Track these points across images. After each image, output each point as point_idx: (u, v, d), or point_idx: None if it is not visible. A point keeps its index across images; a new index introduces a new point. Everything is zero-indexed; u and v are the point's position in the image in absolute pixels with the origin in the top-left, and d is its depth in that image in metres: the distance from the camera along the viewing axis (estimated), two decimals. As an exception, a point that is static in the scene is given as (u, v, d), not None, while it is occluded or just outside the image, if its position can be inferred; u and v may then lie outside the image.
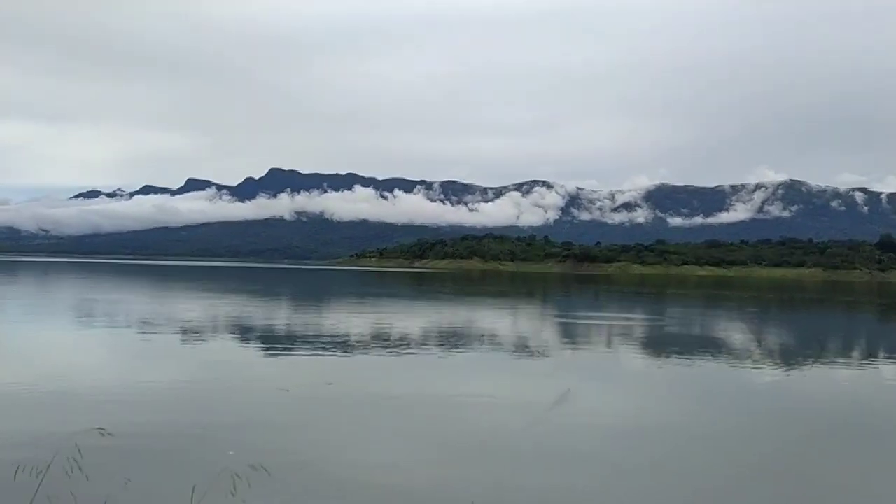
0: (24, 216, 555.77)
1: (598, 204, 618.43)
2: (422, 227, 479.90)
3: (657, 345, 27.12)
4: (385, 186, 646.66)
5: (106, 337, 25.42)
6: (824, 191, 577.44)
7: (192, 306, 41.12)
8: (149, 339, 24.50)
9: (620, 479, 10.15)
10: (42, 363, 18.83)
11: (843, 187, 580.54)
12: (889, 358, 25.63)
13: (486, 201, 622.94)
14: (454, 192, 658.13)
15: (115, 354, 21.44)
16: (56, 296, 49.71)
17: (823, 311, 54.53)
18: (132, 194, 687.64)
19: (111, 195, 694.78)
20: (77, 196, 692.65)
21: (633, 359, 23.24)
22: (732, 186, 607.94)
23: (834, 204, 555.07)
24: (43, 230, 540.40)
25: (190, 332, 26.66)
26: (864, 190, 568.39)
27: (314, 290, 69.20)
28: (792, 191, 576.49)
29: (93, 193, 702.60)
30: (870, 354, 26.73)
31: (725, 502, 9.33)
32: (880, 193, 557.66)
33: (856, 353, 26.98)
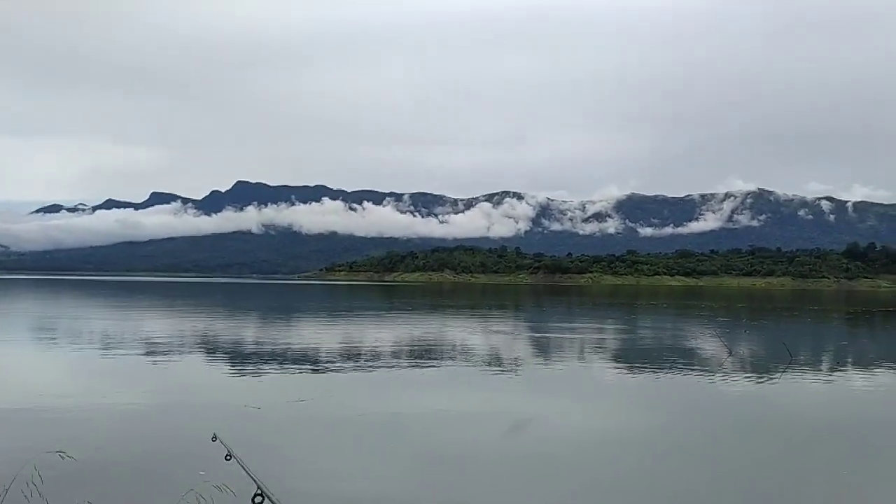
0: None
1: (569, 214, 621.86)
2: (392, 240, 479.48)
3: (629, 357, 27.16)
4: (354, 198, 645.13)
5: (67, 356, 24.83)
6: (792, 200, 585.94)
7: (158, 323, 40.49)
8: (112, 358, 23.96)
9: (595, 492, 10.04)
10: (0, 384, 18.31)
11: (810, 196, 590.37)
12: (857, 366, 25.89)
13: (457, 213, 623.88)
14: (424, 203, 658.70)
15: (77, 374, 20.93)
16: (15, 314, 48.67)
17: (792, 320, 55.16)
18: (94, 209, 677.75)
19: (73, 210, 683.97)
20: (38, 211, 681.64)
21: (605, 371, 23.22)
22: (702, 196, 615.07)
23: (801, 213, 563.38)
24: (2, 246, 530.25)
25: (155, 351, 26.14)
26: (830, 199, 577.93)
27: (283, 306, 68.58)
28: (760, 200, 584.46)
29: (54, 208, 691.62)
30: (838, 363, 26.99)
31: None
32: (846, 202, 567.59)
33: (825, 363, 27.25)
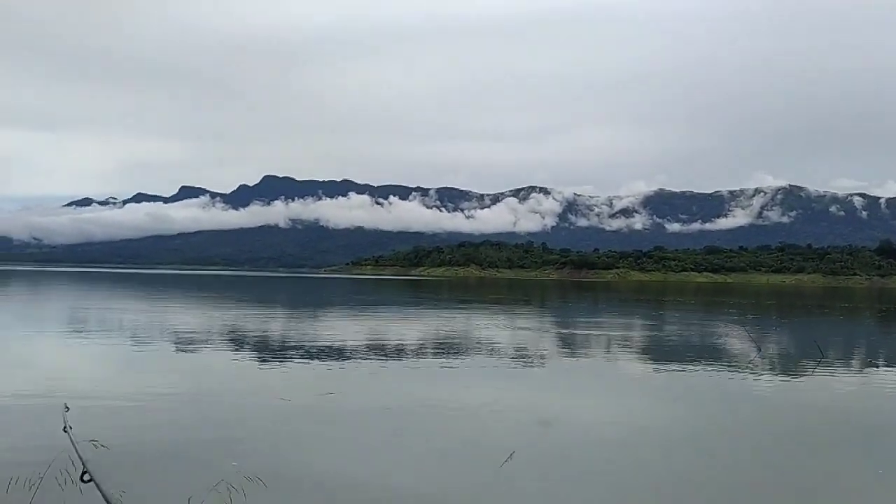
0: (15, 225, 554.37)
1: (596, 210, 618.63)
2: (418, 235, 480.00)
3: (655, 353, 26.98)
4: (380, 193, 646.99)
5: (100, 347, 25.17)
6: (823, 196, 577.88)
7: (188, 316, 40.92)
8: (144, 349, 24.28)
9: (620, 487, 9.99)
10: (34, 374, 18.61)
11: (841, 192, 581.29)
12: (891, 365, 25.53)
13: (483, 208, 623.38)
14: (450, 198, 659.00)
15: (110, 365, 21.22)
16: (48, 305, 49.46)
17: (823, 317, 54.46)
18: (125, 202, 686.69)
19: (103, 203, 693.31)
20: (69, 204, 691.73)
21: (631, 368, 23.09)
22: (731, 192, 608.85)
23: (833, 209, 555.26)
24: (35, 239, 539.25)
25: (186, 342, 26.44)
26: (863, 195, 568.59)
27: (311, 299, 69.02)
28: (791, 196, 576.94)
29: (85, 202, 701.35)
30: (871, 362, 26.60)
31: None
32: (879, 198, 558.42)
33: (857, 361, 26.85)
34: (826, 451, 12.56)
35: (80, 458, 3.95)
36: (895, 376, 22.13)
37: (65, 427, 4.69)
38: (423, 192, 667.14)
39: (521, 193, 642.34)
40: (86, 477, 3.72)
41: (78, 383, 17.00)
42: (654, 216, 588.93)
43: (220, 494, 6.19)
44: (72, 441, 4.37)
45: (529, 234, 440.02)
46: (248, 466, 8.25)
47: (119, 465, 9.61)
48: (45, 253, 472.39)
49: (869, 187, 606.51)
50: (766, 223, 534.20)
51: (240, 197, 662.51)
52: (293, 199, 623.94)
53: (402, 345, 26.98)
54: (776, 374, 21.55)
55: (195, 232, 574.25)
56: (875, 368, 24.25)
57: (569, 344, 29.40)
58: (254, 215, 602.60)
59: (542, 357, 24.51)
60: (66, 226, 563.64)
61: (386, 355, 23.68)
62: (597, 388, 19.07)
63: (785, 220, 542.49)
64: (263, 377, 19.13)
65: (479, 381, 19.31)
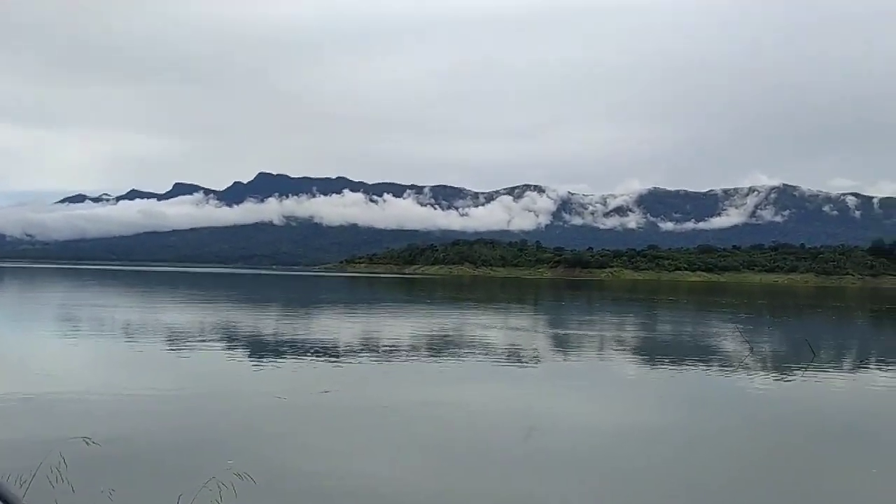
0: (8, 221, 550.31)
1: (590, 208, 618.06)
2: (412, 232, 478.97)
3: (648, 353, 27.04)
4: (375, 191, 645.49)
5: (92, 345, 25.12)
6: (816, 195, 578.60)
7: (182, 314, 40.83)
8: (137, 348, 24.24)
9: (612, 485, 10.03)
10: (27, 371, 18.59)
11: (835, 192, 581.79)
12: (881, 364, 25.62)
13: (477, 206, 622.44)
14: (445, 196, 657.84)
15: (103, 363, 21.19)
16: (41, 303, 49.28)
17: (815, 317, 54.64)
18: (118, 199, 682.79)
19: (97, 200, 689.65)
20: (62, 201, 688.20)
21: (624, 367, 23.15)
22: (725, 191, 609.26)
23: (826, 209, 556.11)
24: (28, 235, 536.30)
25: (180, 341, 26.40)
26: (856, 194, 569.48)
27: (305, 298, 68.94)
28: (784, 195, 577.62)
29: (78, 198, 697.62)
30: (862, 361, 26.72)
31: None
32: (872, 198, 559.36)
33: (848, 360, 26.97)
34: (817, 451, 12.62)
35: None
36: (885, 376, 22.21)
37: None
38: (418, 189, 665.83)
39: (516, 191, 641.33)
40: None
41: (72, 381, 16.96)
42: (648, 215, 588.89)
43: (211, 492, 6.20)
44: None
45: (523, 232, 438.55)
46: (240, 464, 8.27)
47: (111, 462, 9.61)
48: (39, 249, 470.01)
49: (862, 187, 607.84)
50: (759, 222, 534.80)
51: (234, 194, 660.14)
52: (287, 197, 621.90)
53: (397, 344, 26.99)
54: (768, 374, 21.62)
55: (189, 229, 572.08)
56: (866, 368, 24.37)
57: (562, 344, 29.44)
58: (248, 212, 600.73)
59: (536, 357, 24.54)
60: (60, 222, 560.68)
61: (381, 354, 23.70)
62: (590, 388, 19.11)
63: (778, 219, 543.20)
64: (259, 376, 19.12)
65: (472, 381, 19.35)
